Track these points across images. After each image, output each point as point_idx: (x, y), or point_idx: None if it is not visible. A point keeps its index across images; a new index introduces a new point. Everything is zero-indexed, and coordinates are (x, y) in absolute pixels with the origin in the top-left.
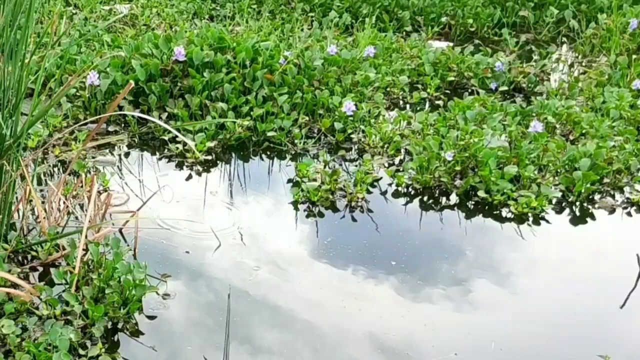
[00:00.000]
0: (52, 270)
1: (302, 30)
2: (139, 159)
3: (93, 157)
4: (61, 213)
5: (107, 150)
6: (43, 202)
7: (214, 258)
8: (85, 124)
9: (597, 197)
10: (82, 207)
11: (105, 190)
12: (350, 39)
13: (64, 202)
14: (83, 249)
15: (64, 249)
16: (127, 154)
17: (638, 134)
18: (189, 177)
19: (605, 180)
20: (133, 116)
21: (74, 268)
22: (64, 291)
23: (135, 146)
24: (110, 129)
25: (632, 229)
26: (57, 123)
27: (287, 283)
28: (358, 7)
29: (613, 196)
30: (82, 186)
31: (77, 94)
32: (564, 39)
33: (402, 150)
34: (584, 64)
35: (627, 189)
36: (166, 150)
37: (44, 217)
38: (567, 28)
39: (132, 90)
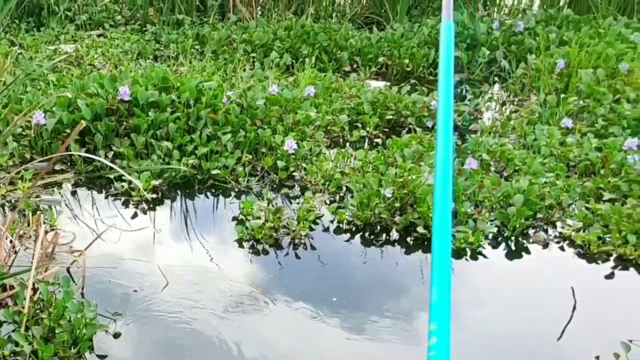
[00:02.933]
0: (0, 310)
1: (244, 70)
2: (86, 198)
3: (37, 197)
4: (8, 252)
5: (54, 189)
6: None
7: (162, 296)
8: (32, 162)
9: (531, 231)
10: (26, 247)
11: (53, 229)
12: (291, 79)
13: (10, 242)
14: (31, 288)
15: (11, 288)
16: (73, 193)
17: (568, 170)
18: (135, 215)
19: (539, 215)
20: (79, 155)
21: (23, 308)
22: (13, 331)
23: (81, 185)
24: (57, 167)
25: (566, 262)
26: (3, 162)
27: (234, 320)
28: (298, 48)
29: (546, 231)
30: (28, 225)
31: (23, 133)
32: (496, 78)
33: (343, 188)
34: (515, 102)
35: (559, 223)
36: (112, 188)
37: None
38: (498, 68)
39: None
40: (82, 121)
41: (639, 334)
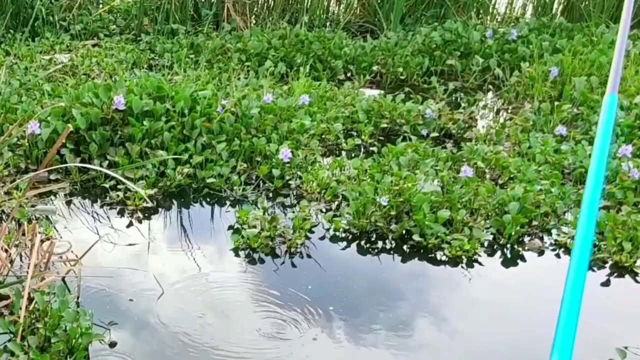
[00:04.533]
0: None
1: (238, 79)
2: (81, 207)
3: (33, 206)
4: (3, 262)
5: (49, 199)
6: None
7: (158, 305)
8: (26, 171)
9: (526, 239)
10: (21, 256)
11: (48, 239)
12: (286, 88)
13: (6, 251)
14: (27, 298)
15: (7, 298)
16: (68, 202)
17: (563, 177)
18: (130, 224)
19: (534, 222)
20: (74, 165)
21: (18, 317)
22: (9, 341)
23: (76, 194)
24: (52, 177)
25: (561, 269)
26: None
27: (231, 330)
28: (292, 57)
29: (541, 238)
30: (24, 235)
31: (18, 142)
32: (490, 86)
33: (339, 196)
34: (509, 110)
35: (554, 231)
36: (107, 197)
37: None
38: (492, 76)
39: (73, 139)
40: (69, 125)
41: (635, 340)
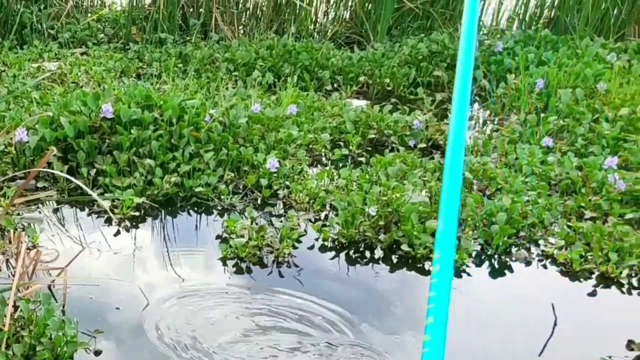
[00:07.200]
0: None
1: (226, 88)
2: (68, 215)
3: (19, 214)
4: None
5: (36, 207)
6: None
7: (143, 314)
8: (14, 179)
9: (513, 249)
10: (8, 264)
11: (34, 247)
12: (274, 98)
13: None
14: (12, 306)
15: None
16: (55, 210)
17: (549, 189)
18: (118, 233)
19: (521, 233)
20: (62, 172)
21: (3, 325)
22: None
23: (64, 202)
24: (40, 185)
25: (547, 280)
26: None
27: (218, 340)
28: (280, 67)
29: (528, 249)
30: (10, 242)
31: (6, 150)
32: (476, 97)
33: (328, 206)
34: (496, 121)
35: (541, 242)
36: (95, 206)
37: None
38: (478, 87)
39: (61, 147)
40: (53, 148)
41: (619, 350)
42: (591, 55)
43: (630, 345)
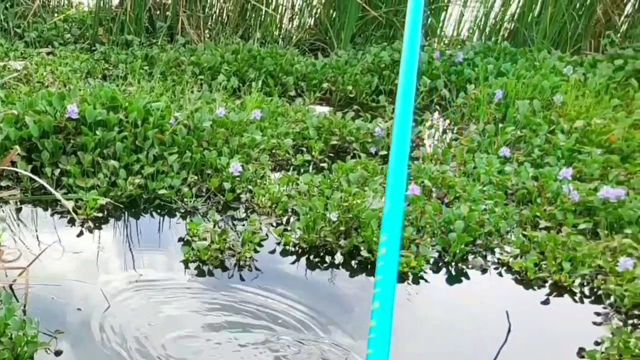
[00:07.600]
0: None
1: (192, 92)
2: (31, 215)
3: None
4: None
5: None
6: None
7: (104, 315)
8: None
9: (470, 257)
10: None
11: None
12: (238, 102)
13: None
14: None
15: None
16: (19, 210)
17: (506, 198)
18: (81, 233)
19: (478, 241)
20: (26, 171)
21: None
22: None
23: (27, 201)
24: (3, 184)
25: (502, 287)
26: None
27: (177, 341)
28: (245, 72)
29: (485, 257)
30: None
31: None
32: (437, 107)
33: (289, 211)
34: (455, 131)
35: (497, 250)
36: (58, 206)
37: None
38: (439, 97)
39: (25, 146)
40: (16, 147)
41: (571, 358)
42: (548, 67)
43: (581, 353)
